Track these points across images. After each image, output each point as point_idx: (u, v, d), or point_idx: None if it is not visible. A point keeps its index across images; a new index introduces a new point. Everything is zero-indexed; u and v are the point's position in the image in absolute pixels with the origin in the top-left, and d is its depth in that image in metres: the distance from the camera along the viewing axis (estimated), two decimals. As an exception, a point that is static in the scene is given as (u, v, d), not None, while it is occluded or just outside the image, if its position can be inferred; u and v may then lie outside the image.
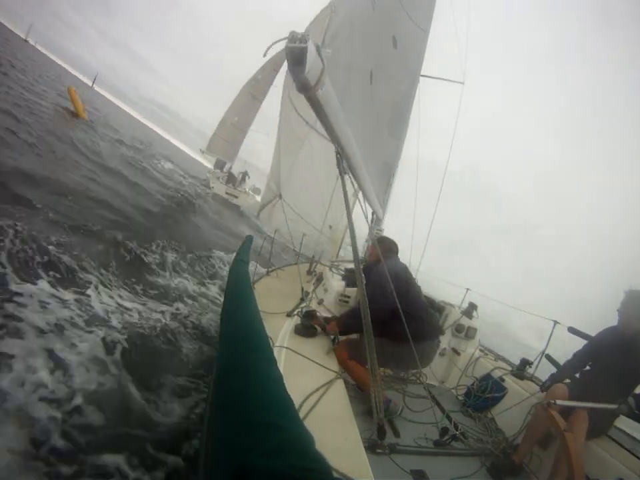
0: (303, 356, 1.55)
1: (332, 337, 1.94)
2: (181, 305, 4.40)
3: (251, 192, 19.45)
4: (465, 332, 2.97)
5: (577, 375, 2.23)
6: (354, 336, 2.08)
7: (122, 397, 2.46)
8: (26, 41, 75.77)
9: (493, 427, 2.34)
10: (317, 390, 1.30)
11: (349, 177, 1.72)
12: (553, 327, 2.82)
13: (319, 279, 3.18)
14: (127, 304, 3.59)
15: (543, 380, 2.44)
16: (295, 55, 0.81)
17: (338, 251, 4.97)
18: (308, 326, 1.88)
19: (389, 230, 4.19)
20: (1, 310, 2.41)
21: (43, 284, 2.99)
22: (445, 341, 2.94)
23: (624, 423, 2.04)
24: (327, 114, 1.05)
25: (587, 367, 2.20)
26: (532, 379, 2.58)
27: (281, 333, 1.80)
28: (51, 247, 3.56)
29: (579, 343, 2.40)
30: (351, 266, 3.33)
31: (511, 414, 2.29)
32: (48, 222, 4.21)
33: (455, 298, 3.44)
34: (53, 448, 1.82)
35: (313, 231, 5.15)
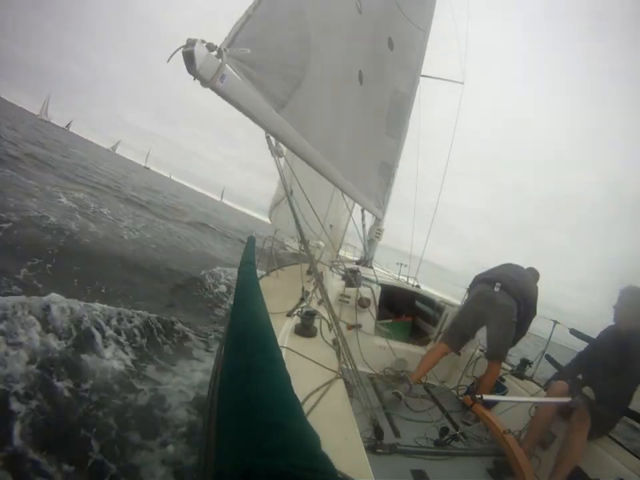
0: (303, 356, 1.54)
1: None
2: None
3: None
4: None
5: (580, 377, 2.23)
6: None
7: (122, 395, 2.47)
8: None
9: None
10: (317, 390, 1.30)
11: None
12: (553, 327, 2.82)
13: (319, 279, 3.18)
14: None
15: (543, 380, 2.45)
16: (186, 56, 1.02)
17: (338, 250, 4.97)
18: (308, 326, 1.88)
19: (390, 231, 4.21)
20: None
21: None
22: None
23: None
24: (239, 102, 1.24)
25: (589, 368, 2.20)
26: (532, 378, 2.58)
27: (280, 333, 1.80)
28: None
29: (579, 344, 2.41)
30: (351, 266, 3.33)
31: (511, 414, 2.29)
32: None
33: (455, 298, 3.45)
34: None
35: (314, 231, 5.16)
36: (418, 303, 3.63)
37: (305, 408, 1.15)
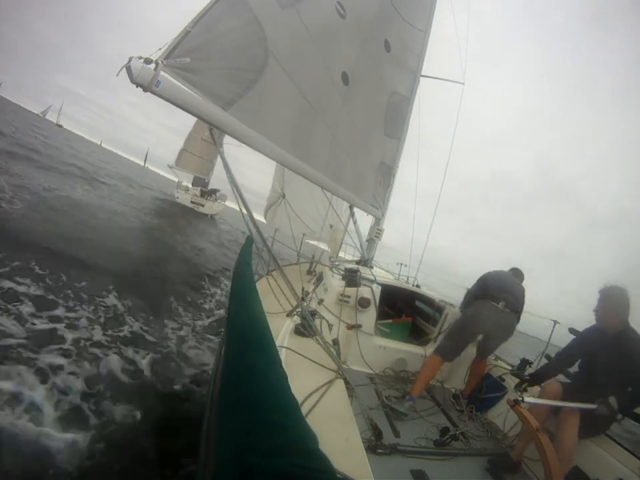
0: (303, 356, 1.54)
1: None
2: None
3: (218, 200, 20.12)
4: None
5: (576, 371, 2.23)
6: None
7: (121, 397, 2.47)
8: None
9: (493, 427, 2.34)
10: (317, 390, 1.29)
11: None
12: (553, 327, 2.82)
13: (319, 279, 3.18)
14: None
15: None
16: (127, 70, 1.30)
17: (338, 250, 4.97)
18: (308, 326, 1.88)
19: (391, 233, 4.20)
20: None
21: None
22: None
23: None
24: (176, 102, 1.47)
25: (578, 365, 2.18)
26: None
27: (280, 333, 1.80)
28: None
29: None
30: (351, 266, 3.32)
31: (511, 414, 2.29)
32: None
33: (454, 298, 3.45)
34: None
35: (313, 231, 5.16)
36: (418, 303, 3.63)
37: (305, 408, 1.15)
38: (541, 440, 1.65)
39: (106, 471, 1.90)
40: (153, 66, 1.35)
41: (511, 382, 2.57)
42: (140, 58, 1.33)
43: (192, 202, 19.34)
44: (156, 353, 3.32)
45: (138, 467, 2.01)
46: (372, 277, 2.98)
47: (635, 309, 1.91)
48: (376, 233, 3.97)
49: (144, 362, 3.08)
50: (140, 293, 4.56)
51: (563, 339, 2.63)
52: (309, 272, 4.14)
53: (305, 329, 1.83)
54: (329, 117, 2.68)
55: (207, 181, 22.35)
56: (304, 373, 1.42)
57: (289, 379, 0.75)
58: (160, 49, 1.42)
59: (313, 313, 2.04)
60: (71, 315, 3.36)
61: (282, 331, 1.84)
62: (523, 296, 2.60)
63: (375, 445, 1.62)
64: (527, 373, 2.63)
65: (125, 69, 1.31)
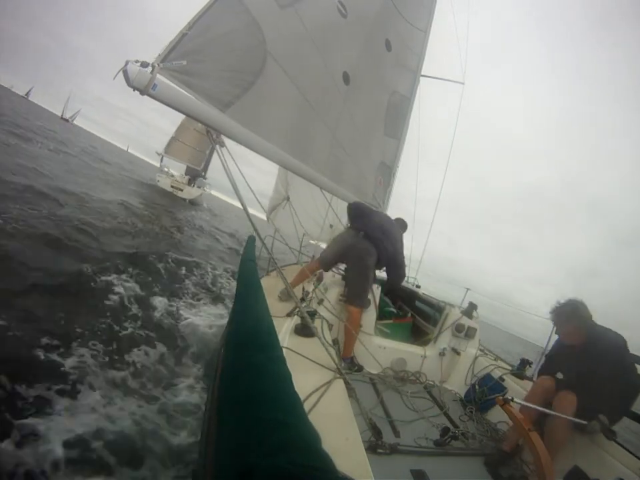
0: (303, 356, 1.55)
1: None
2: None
3: (197, 186, 20.97)
4: (465, 332, 2.97)
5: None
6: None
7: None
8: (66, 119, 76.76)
9: (493, 427, 2.34)
10: (317, 390, 1.30)
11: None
12: (553, 327, 2.82)
13: (319, 279, 3.18)
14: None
15: None
16: (123, 74, 1.32)
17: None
18: (308, 326, 1.88)
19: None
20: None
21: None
22: (445, 340, 2.95)
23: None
24: (173, 105, 1.49)
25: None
26: (532, 379, 2.58)
27: (280, 333, 1.80)
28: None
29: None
30: None
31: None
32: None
33: (455, 298, 3.45)
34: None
35: (314, 231, 5.17)
36: (418, 303, 3.63)
37: (305, 408, 1.15)
38: (532, 439, 1.65)
39: (101, 468, 1.90)
40: (149, 69, 1.36)
41: (510, 382, 2.58)
42: (136, 61, 1.34)
43: (172, 186, 20.30)
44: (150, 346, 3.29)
45: (137, 464, 2.01)
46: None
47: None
48: None
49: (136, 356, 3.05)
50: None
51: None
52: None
53: (304, 329, 1.84)
54: (329, 117, 2.68)
55: (200, 170, 23.11)
56: (304, 372, 1.43)
57: None
58: (159, 54, 1.43)
59: (313, 313, 2.04)
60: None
61: (282, 330, 1.85)
62: (396, 238, 2.84)
63: (375, 445, 1.62)
64: (526, 373, 2.64)
65: (121, 72, 1.32)
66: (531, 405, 1.85)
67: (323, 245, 5.29)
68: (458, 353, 2.93)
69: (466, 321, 2.99)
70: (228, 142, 1.77)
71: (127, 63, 1.33)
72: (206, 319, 4.33)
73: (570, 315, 1.98)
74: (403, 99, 3.88)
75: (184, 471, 2.07)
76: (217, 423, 0.64)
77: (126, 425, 2.18)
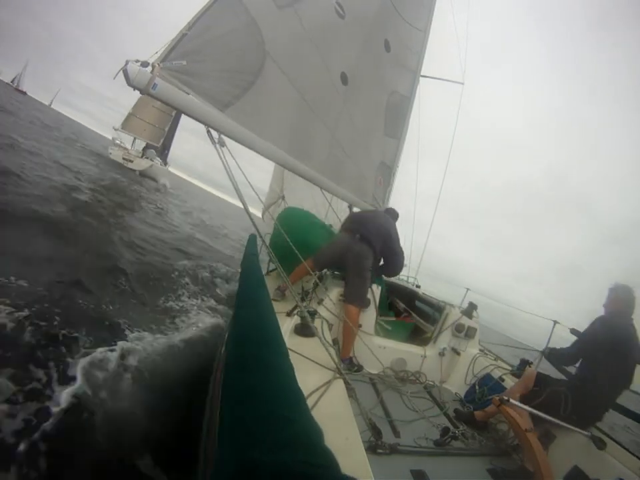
0: (303, 356, 1.55)
1: None
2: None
3: (146, 158, 21.91)
4: (465, 332, 2.97)
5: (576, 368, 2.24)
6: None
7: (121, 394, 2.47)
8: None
9: (493, 427, 2.34)
10: (317, 390, 1.30)
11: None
12: (553, 327, 2.82)
13: (320, 278, 3.19)
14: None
15: None
16: (124, 73, 1.32)
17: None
18: (308, 325, 1.88)
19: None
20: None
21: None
22: (445, 340, 2.95)
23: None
24: (173, 104, 1.50)
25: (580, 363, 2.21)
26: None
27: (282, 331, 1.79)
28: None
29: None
30: None
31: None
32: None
33: (455, 298, 3.45)
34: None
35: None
36: (418, 303, 3.63)
37: None
38: (529, 440, 1.65)
39: (101, 462, 1.90)
40: (149, 69, 1.37)
41: (510, 382, 2.57)
42: (137, 61, 1.36)
43: (123, 158, 21.44)
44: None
45: (137, 459, 2.01)
46: None
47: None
48: None
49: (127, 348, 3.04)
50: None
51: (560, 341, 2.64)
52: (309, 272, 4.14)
53: (304, 329, 1.84)
54: (328, 117, 2.69)
55: (158, 147, 24.11)
56: (303, 372, 1.42)
57: None
58: (157, 52, 1.44)
59: (313, 313, 2.04)
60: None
61: (282, 330, 1.84)
62: (390, 234, 2.86)
63: (375, 445, 1.62)
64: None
65: (122, 72, 1.33)
66: (526, 408, 1.86)
67: None
68: (458, 353, 2.93)
69: (466, 321, 2.99)
70: (228, 142, 1.77)
71: (127, 62, 1.33)
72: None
73: (617, 288, 2.24)
74: (403, 99, 3.89)
75: (184, 464, 2.07)
76: (219, 418, 0.63)
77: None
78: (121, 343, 2.86)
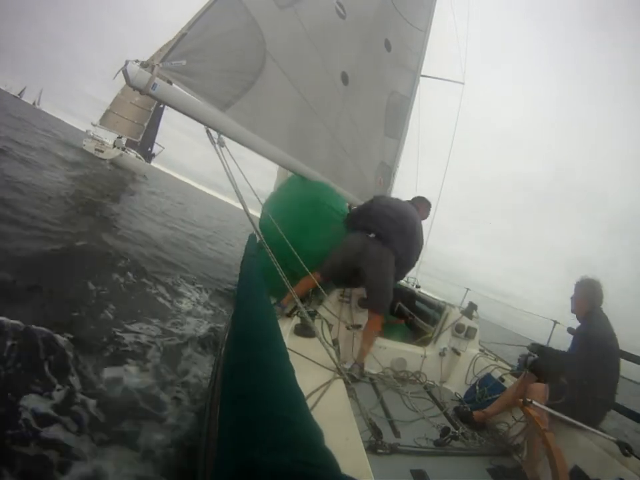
0: (303, 356, 1.55)
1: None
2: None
3: (116, 147, 23.00)
4: (465, 332, 2.97)
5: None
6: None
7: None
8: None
9: (493, 427, 2.34)
10: (317, 390, 1.29)
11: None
12: (553, 327, 2.82)
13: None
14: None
15: None
16: (123, 73, 1.34)
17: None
18: (308, 326, 1.88)
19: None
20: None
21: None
22: (445, 340, 2.95)
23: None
24: (173, 104, 1.52)
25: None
26: None
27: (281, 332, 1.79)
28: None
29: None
30: None
31: (511, 413, 2.29)
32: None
33: (455, 298, 3.45)
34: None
35: None
36: (418, 303, 3.63)
37: None
38: (547, 440, 1.65)
39: (100, 462, 1.90)
40: (149, 69, 1.38)
41: (511, 382, 2.57)
42: (136, 61, 1.36)
43: (95, 149, 22.66)
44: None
45: (136, 460, 2.01)
46: None
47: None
48: None
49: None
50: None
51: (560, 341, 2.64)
52: None
53: (304, 329, 1.84)
54: (329, 117, 2.69)
55: (137, 142, 25.06)
56: (303, 372, 1.42)
57: None
58: (156, 52, 1.44)
59: (313, 313, 2.04)
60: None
61: (282, 331, 1.84)
62: (414, 228, 2.45)
63: (375, 445, 1.62)
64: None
65: (121, 72, 1.34)
66: (548, 409, 1.84)
67: None
68: (458, 353, 2.93)
69: (466, 321, 2.99)
70: (228, 142, 1.77)
71: (126, 62, 1.34)
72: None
73: (581, 284, 2.22)
74: (403, 99, 3.89)
75: (184, 464, 2.07)
76: (219, 418, 0.63)
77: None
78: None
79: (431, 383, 2.74)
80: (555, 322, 2.85)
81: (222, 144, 1.73)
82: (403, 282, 4.11)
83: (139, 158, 23.84)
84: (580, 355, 2.03)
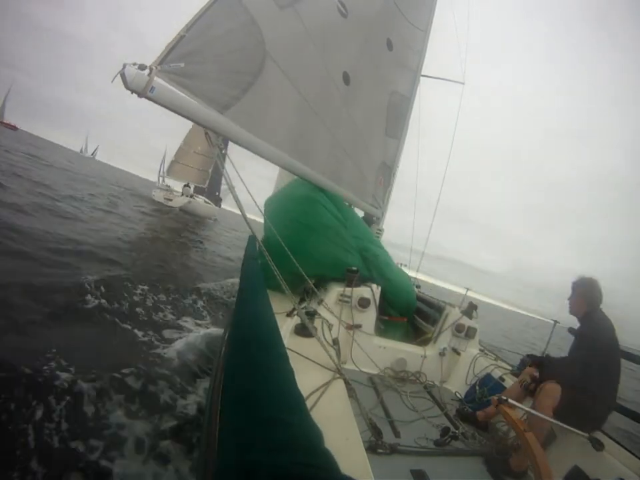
0: (303, 356, 1.55)
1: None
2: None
3: (183, 195, 23.97)
4: (465, 332, 2.97)
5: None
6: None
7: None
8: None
9: (493, 427, 2.34)
10: (317, 390, 1.30)
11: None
12: (553, 327, 2.82)
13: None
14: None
15: None
16: (121, 76, 1.32)
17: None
18: (308, 326, 1.88)
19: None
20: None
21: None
22: (445, 340, 2.94)
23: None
24: (172, 107, 1.50)
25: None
26: None
27: (280, 333, 1.79)
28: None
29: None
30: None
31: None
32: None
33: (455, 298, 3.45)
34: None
35: None
36: (418, 303, 3.63)
37: None
38: (528, 440, 1.64)
39: (102, 463, 1.91)
40: (147, 72, 1.36)
41: (511, 382, 2.57)
42: (134, 64, 1.35)
43: (164, 198, 23.73)
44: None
45: (137, 462, 2.01)
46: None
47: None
48: (376, 233, 3.98)
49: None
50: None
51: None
52: None
53: (304, 329, 1.84)
54: (329, 118, 2.68)
55: (204, 187, 26.34)
56: (303, 373, 1.42)
57: None
58: (155, 55, 1.43)
59: (313, 313, 2.04)
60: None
61: (282, 331, 1.84)
62: None
63: (375, 445, 1.62)
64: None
65: (119, 75, 1.32)
66: (523, 407, 1.85)
67: None
68: (458, 353, 2.93)
69: (466, 321, 2.99)
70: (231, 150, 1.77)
71: (124, 65, 1.32)
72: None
73: (578, 284, 2.17)
74: (403, 99, 3.88)
75: (184, 466, 2.07)
76: (219, 421, 0.64)
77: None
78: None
79: (431, 382, 2.74)
80: (555, 322, 2.85)
81: (221, 146, 1.73)
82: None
83: (207, 203, 24.68)
84: (579, 357, 2.00)
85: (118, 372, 2.59)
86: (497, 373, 2.71)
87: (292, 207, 2.77)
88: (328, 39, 2.50)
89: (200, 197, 24.84)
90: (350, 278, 2.73)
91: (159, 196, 24.43)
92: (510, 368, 2.78)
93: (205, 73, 1.59)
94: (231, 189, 1.67)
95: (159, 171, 26.17)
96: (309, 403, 1.19)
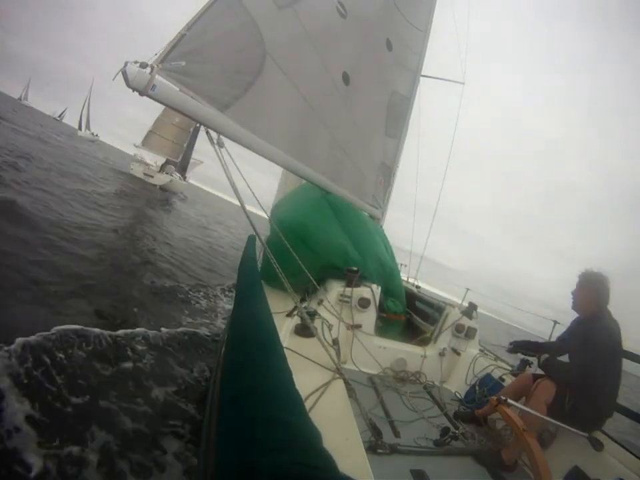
0: (303, 356, 1.55)
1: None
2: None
3: (166, 173, 23.19)
4: (465, 332, 2.97)
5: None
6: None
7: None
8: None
9: (493, 427, 2.34)
10: (317, 390, 1.30)
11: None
12: (553, 327, 2.82)
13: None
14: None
15: None
16: (122, 74, 1.33)
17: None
18: (308, 326, 1.88)
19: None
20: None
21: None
22: (445, 341, 2.94)
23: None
24: (172, 105, 1.51)
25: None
26: None
27: (280, 333, 1.79)
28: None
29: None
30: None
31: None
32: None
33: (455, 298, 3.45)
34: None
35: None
36: (418, 303, 3.63)
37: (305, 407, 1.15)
38: (527, 440, 1.65)
39: (102, 463, 1.91)
40: (148, 70, 1.37)
41: (510, 382, 2.57)
42: (135, 62, 1.36)
43: (144, 174, 22.75)
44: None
45: (137, 461, 2.01)
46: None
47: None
48: None
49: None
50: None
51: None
52: None
53: (304, 329, 1.84)
54: (329, 117, 2.68)
55: (177, 162, 25.54)
56: (303, 373, 1.42)
57: None
58: (156, 54, 1.43)
59: (313, 313, 2.04)
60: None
61: (282, 331, 1.84)
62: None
63: (375, 445, 1.62)
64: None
65: (120, 73, 1.33)
66: (522, 407, 1.85)
67: None
68: (458, 353, 2.93)
69: (466, 321, 2.99)
70: (227, 142, 1.77)
71: (126, 63, 1.33)
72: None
73: (588, 279, 1.99)
74: (403, 99, 3.89)
75: (184, 466, 2.07)
76: (218, 421, 0.64)
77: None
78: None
79: (430, 383, 2.74)
80: (555, 322, 2.85)
81: (221, 144, 1.73)
82: (403, 282, 4.11)
83: (182, 179, 24.40)
84: (583, 360, 1.91)
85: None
86: (496, 373, 2.71)
87: (301, 208, 2.89)
88: (327, 39, 2.51)
89: (176, 173, 24.37)
90: (350, 278, 2.73)
91: (137, 170, 23.30)
92: (510, 368, 2.78)
93: (205, 72, 1.60)
94: (233, 188, 1.67)
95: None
96: (309, 403, 1.19)
